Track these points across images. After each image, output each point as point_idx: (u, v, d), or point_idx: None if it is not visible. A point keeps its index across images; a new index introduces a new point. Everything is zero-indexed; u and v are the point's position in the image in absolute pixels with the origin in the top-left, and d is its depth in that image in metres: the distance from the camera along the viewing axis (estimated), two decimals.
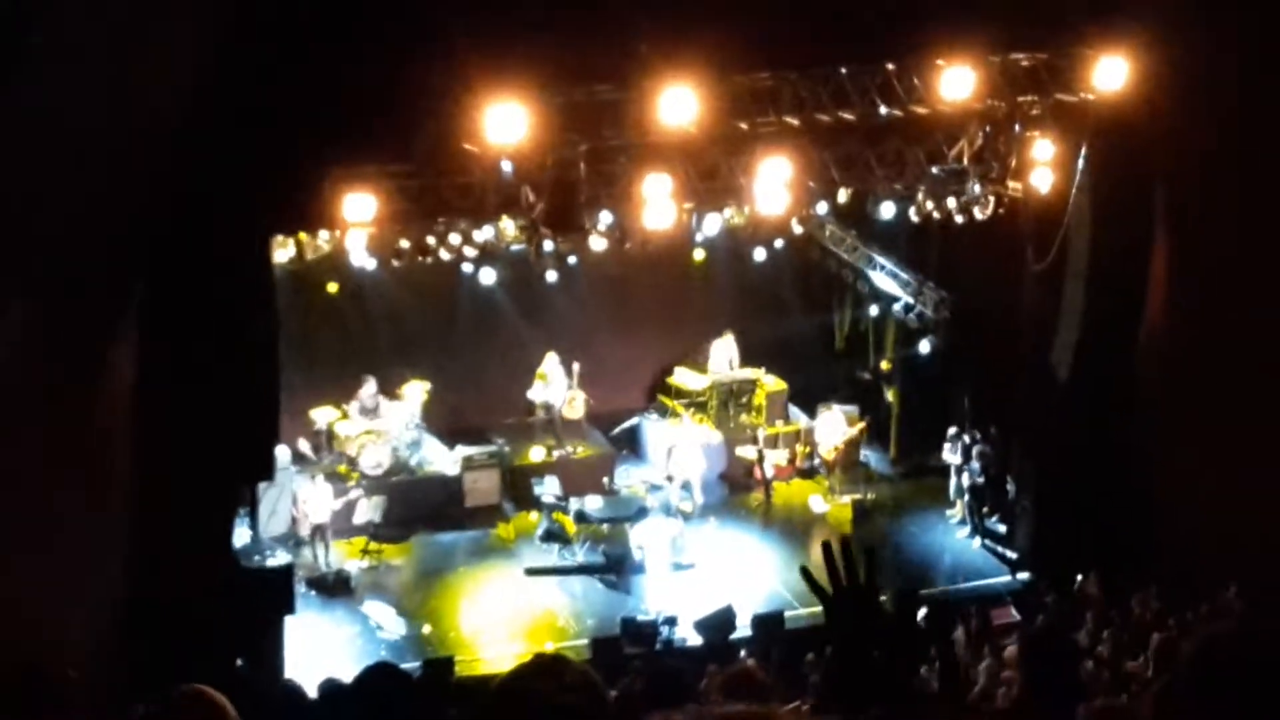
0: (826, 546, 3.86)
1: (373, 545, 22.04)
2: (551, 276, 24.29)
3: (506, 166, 17.79)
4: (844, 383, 27.07)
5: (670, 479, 24.20)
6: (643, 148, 18.30)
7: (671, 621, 19.85)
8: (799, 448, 25.61)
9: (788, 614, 20.36)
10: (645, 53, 16.96)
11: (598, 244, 20.38)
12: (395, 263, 20.31)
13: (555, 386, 24.85)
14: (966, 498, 23.44)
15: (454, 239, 19.78)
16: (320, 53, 15.94)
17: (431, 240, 19.70)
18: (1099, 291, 20.78)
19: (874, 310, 26.42)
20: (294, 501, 22.14)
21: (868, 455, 25.83)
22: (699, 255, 25.94)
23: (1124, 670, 16.13)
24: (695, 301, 26.94)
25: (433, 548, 22.81)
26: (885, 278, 24.80)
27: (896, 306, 24.66)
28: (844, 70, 18.23)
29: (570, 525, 22.34)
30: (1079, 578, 20.49)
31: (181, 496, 17.38)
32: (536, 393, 24.98)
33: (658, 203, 18.89)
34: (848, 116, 18.45)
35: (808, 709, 7.04)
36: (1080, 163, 20.01)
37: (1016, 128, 19.81)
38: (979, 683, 15.36)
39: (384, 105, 16.22)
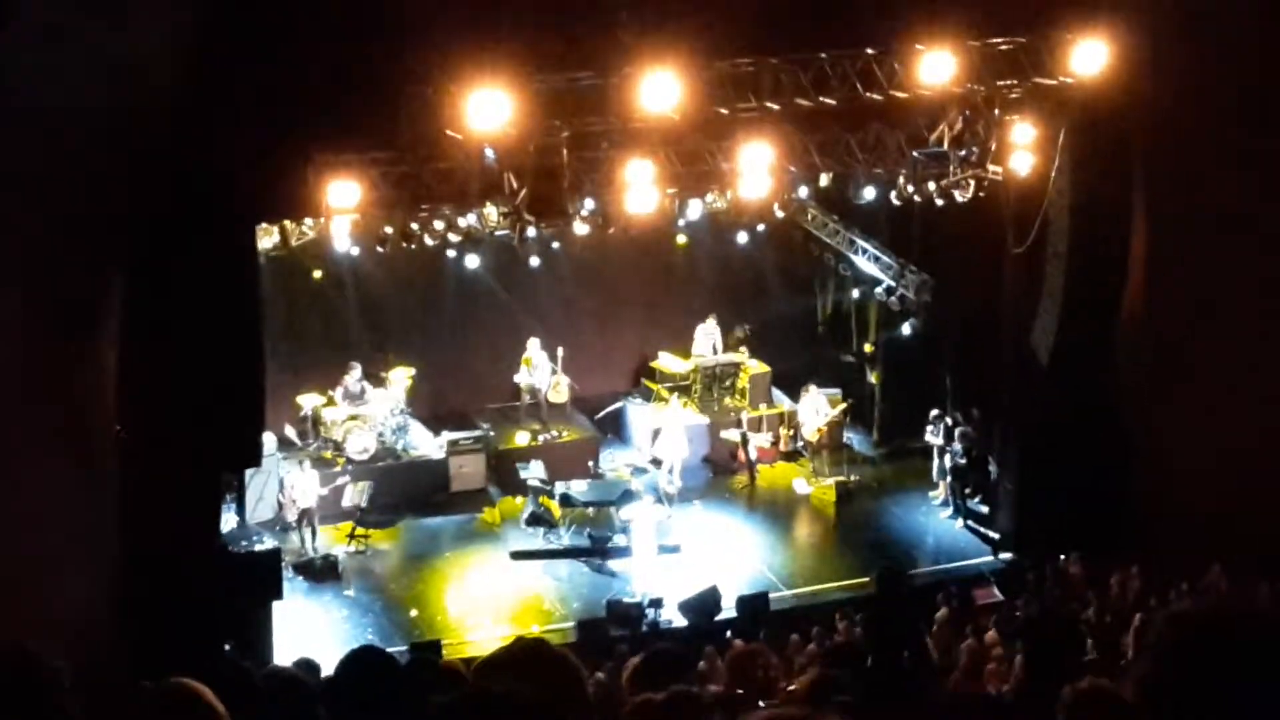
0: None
1: (359, 530, 22.13)
2: (535, 262, 24.38)
3: (489, 153, 17.83)
4: (827, 365, 27.19)
5: (657, 462, 24.32)
6: (625, 134, 18.36)
7: (657, 604, 19.95)
8: (782, 430, 25.73)
9: (773, 595, 20.52)
10: (627, 39, 17.00)
11: (581, 229, 20.49)
12: (379, 249, 20.37)
13: (540, 371, 24.96)
14: (949, 479, 23.57)
15: (438, 225, 19.85)
16: (304, 39, 15.97)
17: (415, 227, 19.77)
18: (1079, 273, 20.88)
19: (856, 294, 26.55)
20: (281, 487, 22.21)
21: (851, 437, 25.96)
22: (681, 240, 26.03)
23: (1104, 650, 16.31)
24: (678, 286, 27.02)
25: (419, 532, 22.92)
26: (867, 261, 24.89)
27: (878, 290, 24.75)
28: (824, 55, 18.27)
29: (555, 509, 22.44)
30: (1061, 558, 20.63)
31: (168, 483, 17.42)
32: (522, 377, 25.09)
33: (640, 188, 18.96)
34: (828, 101, 18.50)
35: (797, 689, 7.16)
36: (1059, 146, 20.10)
37: (996, 112, 19.91)
38: (960, 662, 15.48)
39: (368, 92, 16.26)
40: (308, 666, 8.51)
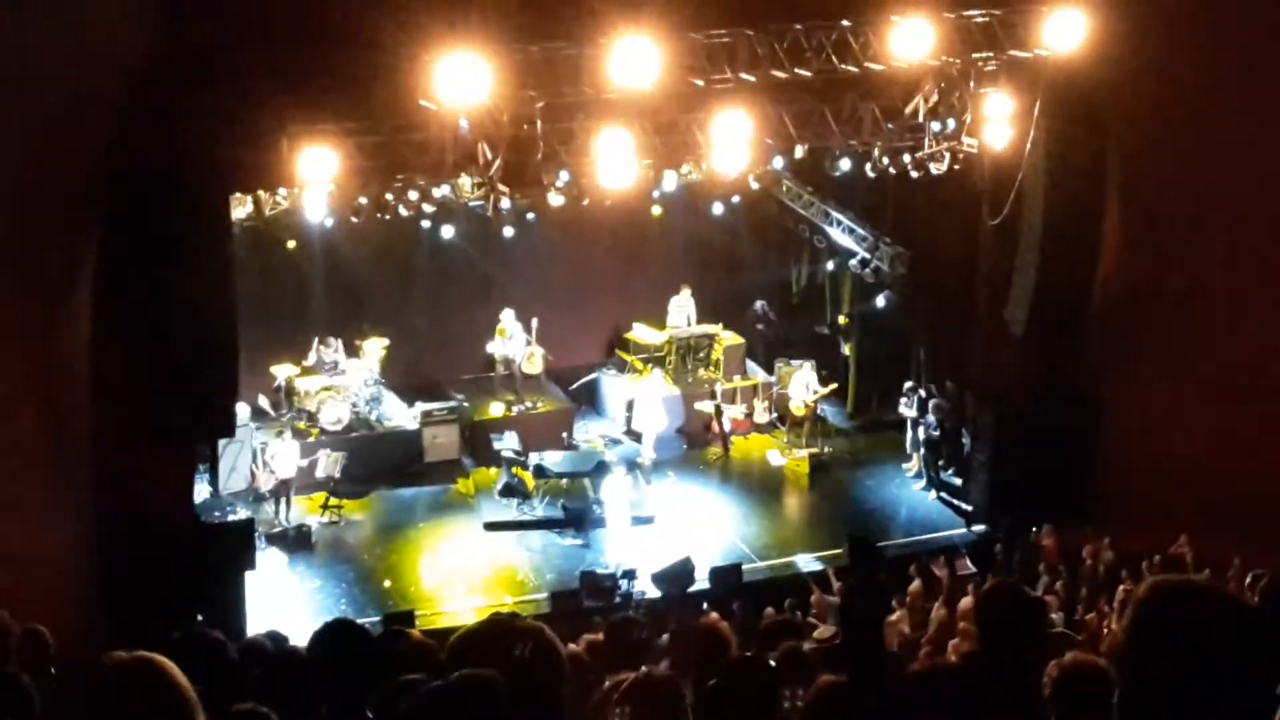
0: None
1: (333, 501, 22.10)
2: (509, 233, 24.33)
3: (464, 123, 17.79)
4: (801, 337, 27.22)
5: (636, 435, 24.37)
6: (600, 104, 18.31)
7: (630, 575, 19.96)
8: (757, 402, 25.76)
9: (745, 567, 20.57)
10: (602, 9, 16.95)
11: (555, 200, 20.40)
12: (354, 219, 20.31)
13: (514, 342, 24.93)
14: (922, 451, 23.63)
15: (412, 196, 19.81)
16: (279, 8, 15.91)
17: (389, 197, 19.72)
18: (1053, 246, 20.93)
19: (830, 266, 26.57)
20: (254, 457, 22.16)
21: (825, 409, 25.99)
22: (656, 211, 26.00)
23: (1077, 621, 16.41)
24: (653, 257, 27.00)
25: (392, 503, 22.91)
26: (842, 233, 24.91)
27: (853, 262, 24.78)
28: (799, 27, 18.26)
29: (529, 480, 22.46)
30: (1033, 530, 20.72)
31: (141, 453, 17.39)
32: (495, 347, 25.07)
33: (615, 159, 18.92)
34: (803, 73, 18.49)
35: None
36: (1035, 119, 20.12)
37: (971, 84, 19.92)
38: (928, 632, 15.55)
39: (342, 62, 16.19)
40: (274, 639, 8.51)
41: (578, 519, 21.81)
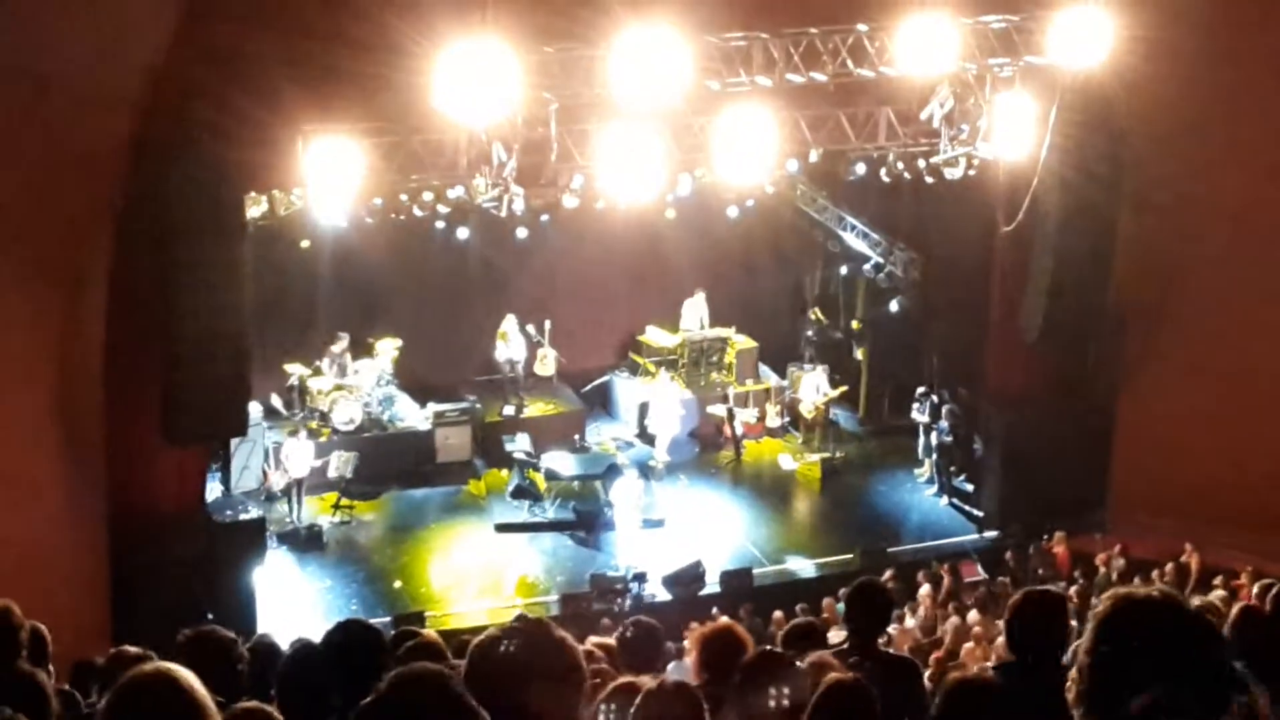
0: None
1: (344, 501, 22.12)
2: (523, 234, 24.32)
3: (478, 125, 17.76)
4: (813, 342, 27.18)
5: (650, 438, 24.35)
6: (614, 107, 18.28)
7: (641, 577, 19.98)
8: (769, 406, 25.74)
9: (756, 570, 20.57)
10: (617, 11, 16.93)
11: (570, 202, 20.37)
12: (368, 220, 20.28)
13: (515, 345, 24.90)
14: (934, 456, 23.61)
15: (426, 197, 19.78)
16: (294, 9, 15.94)
17: (404, 198, 19.71)
18: (1068, 253, 20.89)
19: (844, 270, 26.53)
20: (266, 456, 22.18)
21: (837, 414, 25.95)
22: (670, 214, 25.94)
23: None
24: (666, 260, 26.94)
25: (404, 503, 22.92)
26: (855, 238, 24.88)
27: (866, 266, 24.76)
28: (815, 31, 18.25)
29: (541, 482, 22.45)
30: (1045, 536, 20.71)
31: (154, 452, 17.42)
32: (499, 352, 25.03)
33: (629, 162, 18.87)
34: (819, 77, 18.48)
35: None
36: (1050, 125, 20.06)
37: (988, 90, 19.86)
38: (945, 642, 15.54)
39: (357, 63, 16.19)
40: (303, 645, 8.50)
41: (589, 521, 21.80)
